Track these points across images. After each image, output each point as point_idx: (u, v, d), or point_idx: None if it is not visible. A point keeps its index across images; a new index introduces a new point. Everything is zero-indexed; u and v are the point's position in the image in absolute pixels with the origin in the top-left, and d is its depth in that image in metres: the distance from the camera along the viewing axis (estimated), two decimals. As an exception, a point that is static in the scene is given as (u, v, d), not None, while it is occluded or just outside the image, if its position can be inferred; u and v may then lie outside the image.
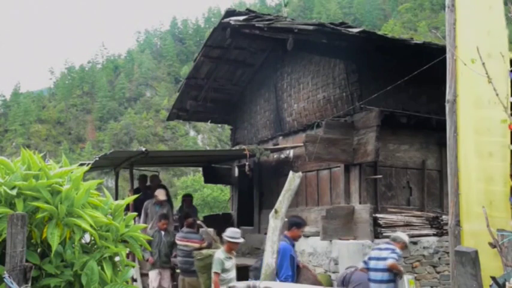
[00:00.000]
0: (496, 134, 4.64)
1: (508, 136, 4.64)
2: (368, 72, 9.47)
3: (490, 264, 4.31)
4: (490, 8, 4.81)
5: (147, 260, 8.94)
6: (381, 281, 6.70)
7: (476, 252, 3.83)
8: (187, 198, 12.51)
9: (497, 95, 4.12)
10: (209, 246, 8.96)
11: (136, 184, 11.60)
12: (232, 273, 7.19)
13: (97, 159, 10.19)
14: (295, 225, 6.52)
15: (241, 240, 7.29)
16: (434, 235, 9.24)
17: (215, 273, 6.99)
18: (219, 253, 7.14)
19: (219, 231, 12.44)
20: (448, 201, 4.85)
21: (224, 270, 7.01)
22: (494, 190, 4.60)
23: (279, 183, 9.89)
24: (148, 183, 11.85)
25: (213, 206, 33.36)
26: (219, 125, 57.92)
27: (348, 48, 8.95)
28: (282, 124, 11.76)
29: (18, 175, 3.01)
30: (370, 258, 7.02)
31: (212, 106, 13.61)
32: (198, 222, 9.79)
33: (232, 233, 7.16)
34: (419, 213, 9.54)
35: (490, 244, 4.20)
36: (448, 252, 6.99)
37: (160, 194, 10.09)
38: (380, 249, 7.05)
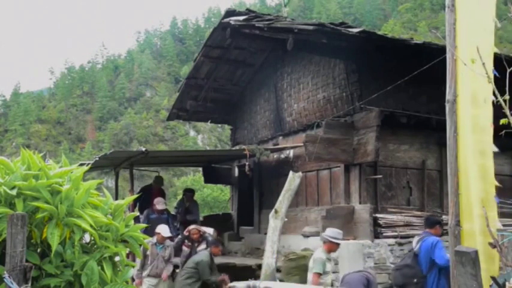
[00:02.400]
0: (486, 133, 4.65)
1: (491, 134, 4.65)
2: (368, 72, 9.47)
3: (490, 265, 4.31)
4: (486, 8, 4.82)
5: None
6: None
7: (476, 252, 3.84)
8: (188, 193, 12.33)
9: (497, 95, 4.12)
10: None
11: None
12: (330, 277, 6.75)
13: (97, 159, 10.19)
14: (438, 223, 6.51)
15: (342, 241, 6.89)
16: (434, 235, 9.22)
17: (316, 274, 6.50)
18: (320, 253, 6.67)
19: (219, 232, 12.49)
20: (448, 201, 4.85)
21: (325, 272, 6.59)
22: (486, 189, 4.61)
23: (279, 183, 9.88)
24: (160, 185, 11.92)
25: (213, 206, 33.36)
26: (219, 125, 57.94)
27: (348, 48, 8.95)
28: (282, 124, 11.76)
29: (18, 175, 3.01)
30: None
31: (212, 106, 13.61)
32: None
33: (334, 233, 6.74)
34: (419, 213, 9.54)
35: (490, 244, 4.20)
36: (448, 252, 6.99)
37: (162, 231, 8.90)
38: None
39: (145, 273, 8.61)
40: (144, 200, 11.01)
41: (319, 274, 6.53)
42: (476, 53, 4.18)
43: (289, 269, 7.49)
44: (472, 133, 4.66)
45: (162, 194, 11.79)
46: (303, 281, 6.95)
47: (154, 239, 8.70)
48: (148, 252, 8.60)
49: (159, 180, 11.83)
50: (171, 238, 9.28)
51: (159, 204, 10.22)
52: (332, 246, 6.74)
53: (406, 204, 9.77)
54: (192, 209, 11.83)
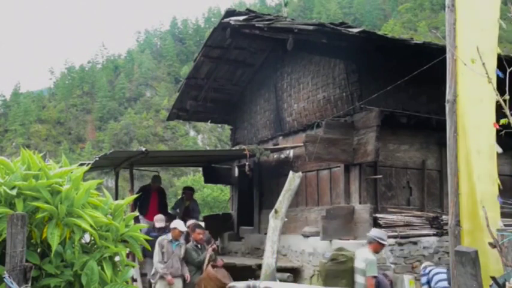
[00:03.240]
0: (487, 133, 4.66)
1: (494, 134, 4.65)
2: (368, 72, 9.47)
3: (490, 265, 4.31)
4: (486, 8, 4.82)
5: None
6: None
7: (476, 252, 3.84)
8: (188, 191, 12.07)
9: (497, 94, 4.13)
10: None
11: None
12: None
13: (97, 159, 10.18)
14: None
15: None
16: (434, 235, 9.23)
17: (374, 277, 6.35)
18: (369, 254, 6.50)
19: (219, 231, 12.48)
20: (448, 201, 4.85)
21: None
22: (486, 189, 4.61)
23: (279, 183, 9.88)
24: (158, 183, 11.67)
25: (213, 206, 33.38)
26: (219, 125, 57.95)
27: (348, 48, 8.94)
28: (282, 124, 11.76)
29: (18, 175, 3.01)
30: None
31: (212, 106, 13.60)
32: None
33: (381, 233, 6.70)
34: (419, 213, 9.53)
35: (490, 244, 4.20)
36: (448, 252, 6.99)
37: (178, 225, 8.42)
38: None
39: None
40: (143, 200, 10.98)
41: (376, 277, 6.40)
42: (476, 53, 4.19)
43: (337, 272, 6.98)
44: (472, 133, 4.66)
45: (162, 193, 11.69)
46: (349, 283, 6.67)
47: (169, 236, 8.29)
48: (164, 250, 8.17)
49: (156, 179, 11.65)
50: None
51: (157, 222, 9.59)
52: (378, 247, 6.62)
53: (406, 204, 9.76)
54: (193, 208, 11.73)
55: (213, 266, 8.25)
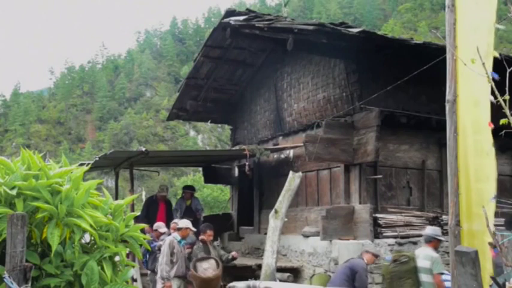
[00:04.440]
0: (483, 132, 4.65)
1: (490, 133, 4.64)
2: (368, 72, 9.47)
3: (489, 265, 4.31)
4: (486, 8, 4.81)
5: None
6: None
7: (476, 252, 3.83)
8: (188, 190, 11.70)
9: (497, 95, 4.12)
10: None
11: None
12: None
13: (97, 159, 10.19)
14: None
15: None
16: (434, 235, 9.23)
17: (440, 274, 6.53)
18: (432, 252, 6.69)
19: (219, 231, 12.47)
20: (448, 201, 4.85)
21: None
22: (485, 189, 4.60)
23: (279, 183, 9.89)
24: (164, 193, 11.37)
25: (213, 206, 33.36)
26: (219, 125, 57.96)
27: (348, 48, 8.95)
28: (282, 124, 11.76)
29: (18, 175, 3.01)
30: None
31: (212, 106, 13.61)
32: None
33: (436, 230, 6.92)
34: (419, 213, 9.54)
35: (490, 244, 4.20)
36: (448, 252, 6.99)
37: (190, 225, 8.46)
38: None
39: (172, 272, 8.01)
40: (152, 213, 10.89)
41: (442, 274, 6.56)
42: (476, 53, 4.18)
43: (401, 273, 6.93)
44: (472, 133, 4.66)
45: (169, 204, 11.46)
46: (415, 283, 6.76)
47: (178, 236, 8.19)
48: (175, 250, 8.05)
49: (162, 188, 11.40)
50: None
51: (161, 228, 9.33)
52: (437, 244, 6.83)
53: (406, 204, 9.77)
54: (196, 207, 11.53)
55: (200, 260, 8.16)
